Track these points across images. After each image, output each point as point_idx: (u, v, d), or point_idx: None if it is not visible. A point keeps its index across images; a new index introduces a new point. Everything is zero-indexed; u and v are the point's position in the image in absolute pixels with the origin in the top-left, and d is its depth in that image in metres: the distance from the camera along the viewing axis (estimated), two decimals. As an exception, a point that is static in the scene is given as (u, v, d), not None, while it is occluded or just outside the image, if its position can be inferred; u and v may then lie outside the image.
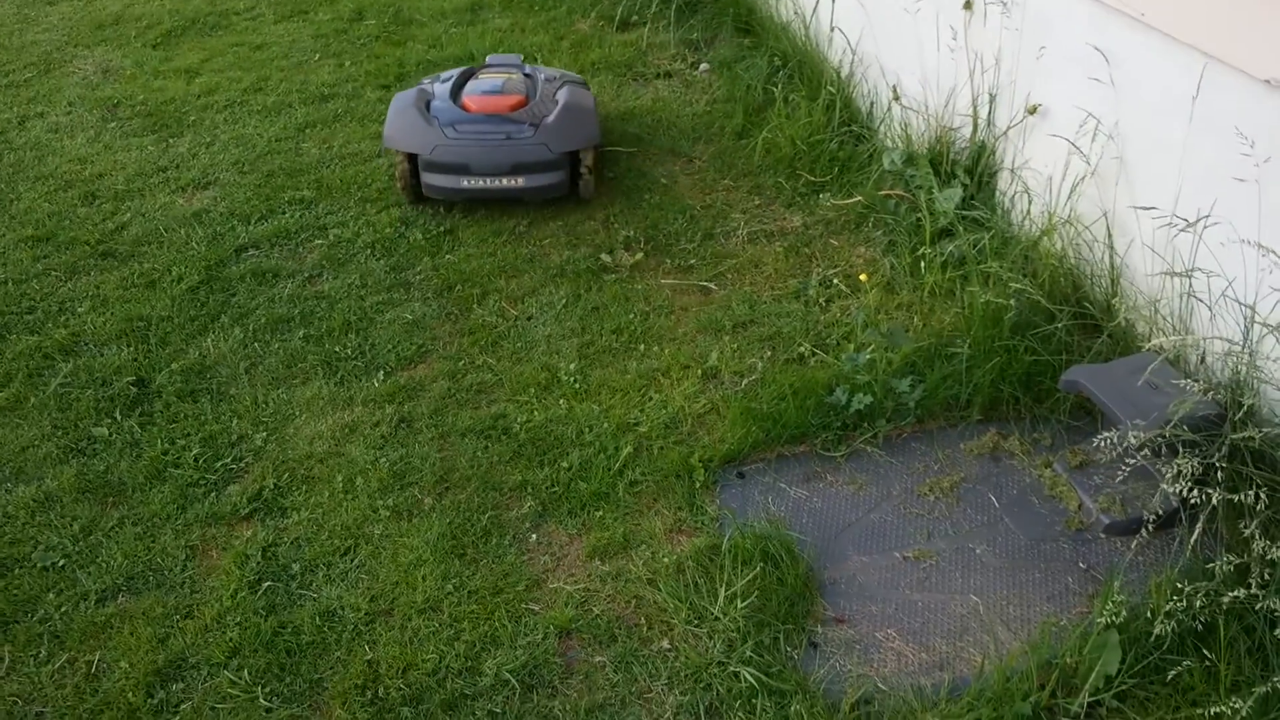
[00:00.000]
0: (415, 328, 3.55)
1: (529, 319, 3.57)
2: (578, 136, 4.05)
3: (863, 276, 3.53)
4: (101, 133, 5.01)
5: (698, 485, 2.83)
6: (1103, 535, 2.57)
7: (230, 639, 2.47)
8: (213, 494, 2.91)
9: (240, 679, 2.38)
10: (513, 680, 2.34)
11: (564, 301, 3.63)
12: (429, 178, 4.02)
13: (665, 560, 2.61)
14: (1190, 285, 2.65)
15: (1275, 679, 2.01)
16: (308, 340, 3.50)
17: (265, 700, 2.33)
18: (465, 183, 3.97)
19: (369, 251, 3.95)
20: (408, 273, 3.82)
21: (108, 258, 4.02)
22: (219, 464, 3.00)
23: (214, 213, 4.26)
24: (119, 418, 3.20)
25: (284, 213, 4.24)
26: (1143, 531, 2.36)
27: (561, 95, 4.20)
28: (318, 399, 3.24)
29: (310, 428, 3.12)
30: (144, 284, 3.83)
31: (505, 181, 3.97)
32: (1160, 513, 2.36)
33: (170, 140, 4.91)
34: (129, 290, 3.81)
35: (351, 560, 2.68)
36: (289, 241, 4.05)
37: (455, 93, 4.22)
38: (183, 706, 2.33)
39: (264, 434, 3.11)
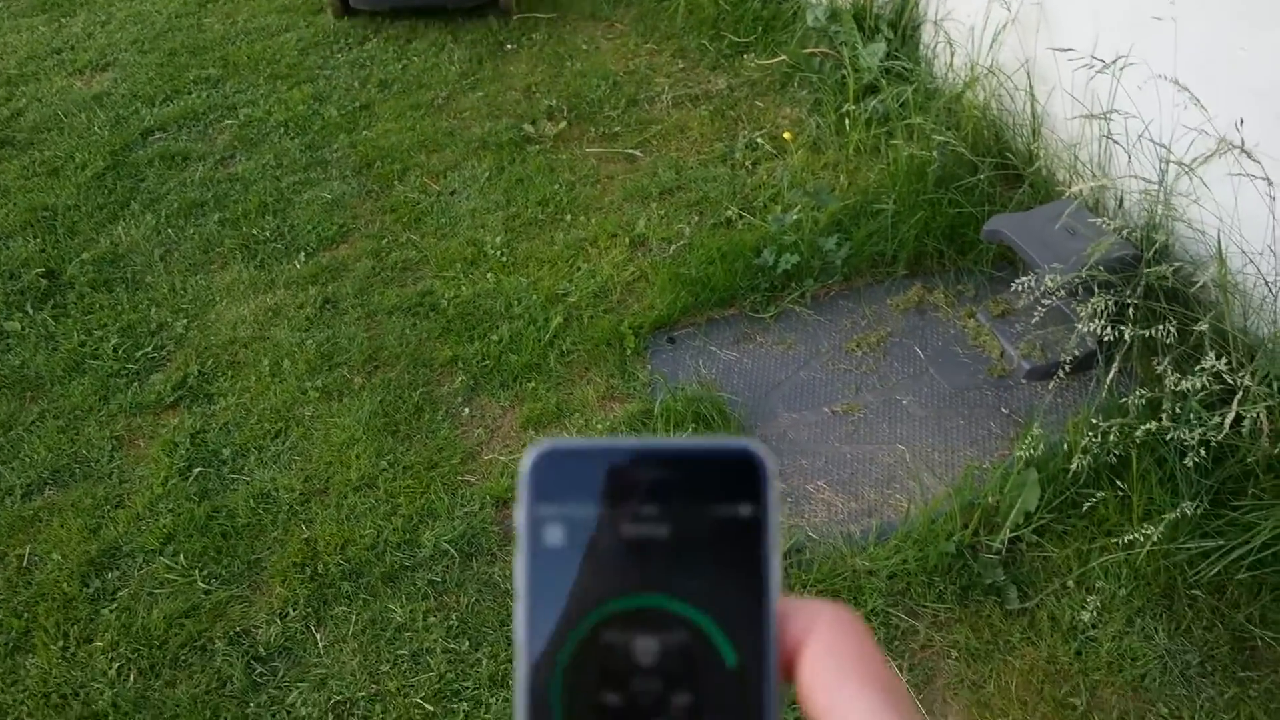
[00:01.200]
0: (335, 207, 3.46)
1: (452, 193, 3.50)
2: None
3: (787, 135, 3.50)
4: (-11, 16, 4.75)
5: (629, 352, 2.83)
6: (1024, 380, 2.63)
7: (164, 526, 2.46)
8: (135, 384, 2.85)
9: (176, 564, 2.37)
10: (451, 550, 2.36)
11: (487, 174, 3.56)
12: None
13: (599, 427, 2.62)
14: (1108, 129, 2.66)
15: (1184, 505, 2.09)
16: (224, 224, 3.40)
17: (204, 583, 2.34)
18: None
19: (282, 130, 3.83)
20: (324, 151, 3.72)
21: (5, 146, 3.85)
22: (139, 353, 2.94)
23: (115, 95, 4.08)
24: (30, 311, 3.10)
25: (190, 93, 4.08)
26: (1061, 374, 2.42)
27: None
28: (238, 283, 3.17)
29: (232, 312, 3.06)
30: (46, 172, 3.68)
31: None
32: (1077, 354, 2.41)
33: (62, 20, 4.66)
34: (30, 180, 3.66)
35: (283, 443, 2.66)
36: (197, 123, 3.91)
37: None
38: (120, 593, 2.33)
39: (184, 321, 3.04)
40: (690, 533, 0.41)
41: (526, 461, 0.41)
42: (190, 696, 2.16)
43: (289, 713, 2.14)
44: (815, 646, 0.40)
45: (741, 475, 0.41)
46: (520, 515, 0.41)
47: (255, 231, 3.36)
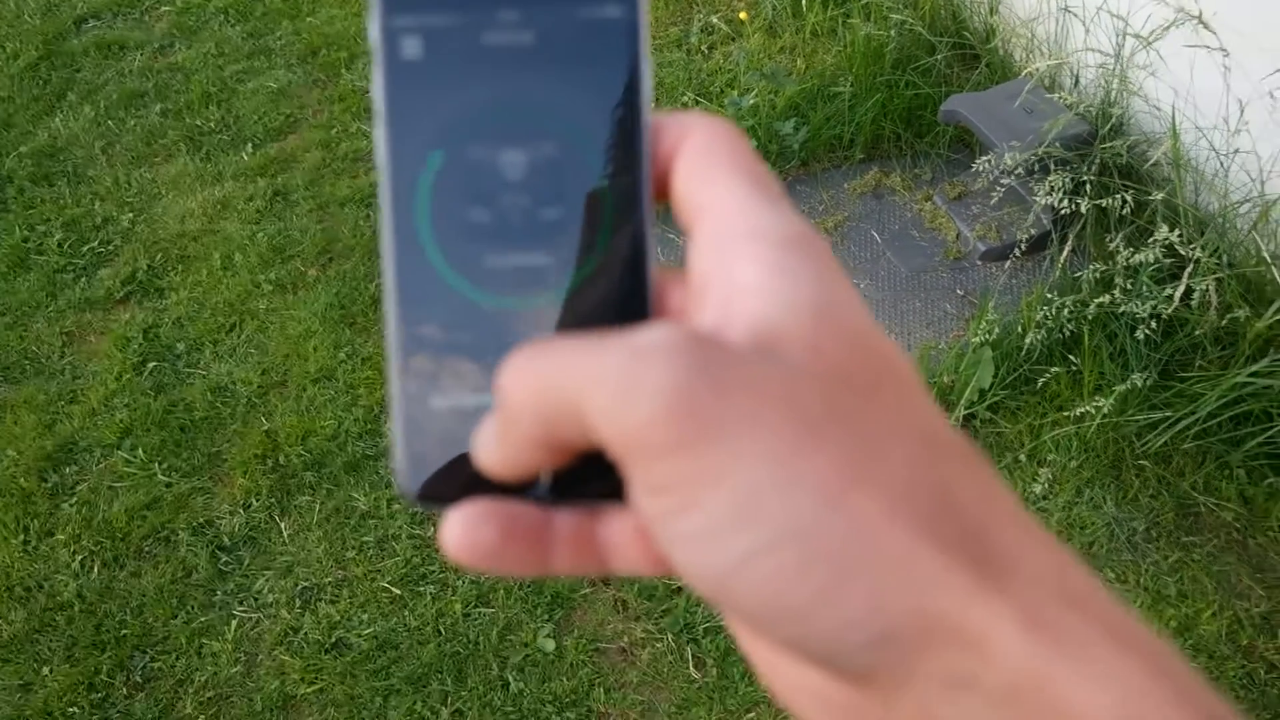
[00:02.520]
0: (281, 97, 3.37)
1: (401, 82, 3.42)
2: None
3: (742, 15, 3.44)
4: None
5: (586, 240, 2.81)
6: (979, 262, 2.65)
7: (120, 420, 2.44)
8: (83, 279, 2.80)
9: (135, 458, 2.36)
10: (413, 437, 2.37)
11: (437, 62, 3.48)
12: None
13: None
14: (1066, 2, 2.64)
15: (1134, 377, 2.14)
16: (166, 115, 3.31)
17: (164, 475, 2.33)
18: None
19: (223, 17, 3.70)
20: (267, 38, 3.60)
21: (-68, 38, 3.70)
22: (85, 248, 2.88)
23: (45, -18, 3.92)
24: (-30, 207, 3.03)
25: (123, -21, 3.93)
26: (1016, 254, 2.44)
27: None
28: (184, 176, 3.09)
29: (179, 206, 2.99)
30: (-23, 64, 3.55)
31: None
32: (1033, 234, 2.43)
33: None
34: (-39, 72, 3.53)
35: (238, 336, 2.64)
36: (133, 10, 3.77)
37: None
38: (79, 488, 2.32)
39: (130, 215, 2.97)
40: (556, 38, 0.38)
41: None
42: (156, 586, 2.17)
43: (256, 599, 2.16)
44: (687, 152, 0.38)
45: None
46: (374, 28, 0.39)
47: (199, 123, 3.28)
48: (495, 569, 0.37)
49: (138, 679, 2.05)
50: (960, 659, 0.30)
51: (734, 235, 0.35)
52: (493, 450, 0.36)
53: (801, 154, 2.97)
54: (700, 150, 0.37)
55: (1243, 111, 2.22)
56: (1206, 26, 2.20)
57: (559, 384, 0.32)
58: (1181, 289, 2.14)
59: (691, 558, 0.31)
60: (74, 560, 2.20)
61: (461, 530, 0.37)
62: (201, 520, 2.27)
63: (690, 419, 0.30)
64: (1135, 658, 0.30)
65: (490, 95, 0.38)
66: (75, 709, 2.00)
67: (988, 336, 2.30)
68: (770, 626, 0.31)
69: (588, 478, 0.37)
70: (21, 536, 2.25)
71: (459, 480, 0.39)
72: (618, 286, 0.38)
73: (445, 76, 0.38)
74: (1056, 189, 2.25)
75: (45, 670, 2.06)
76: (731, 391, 0.30)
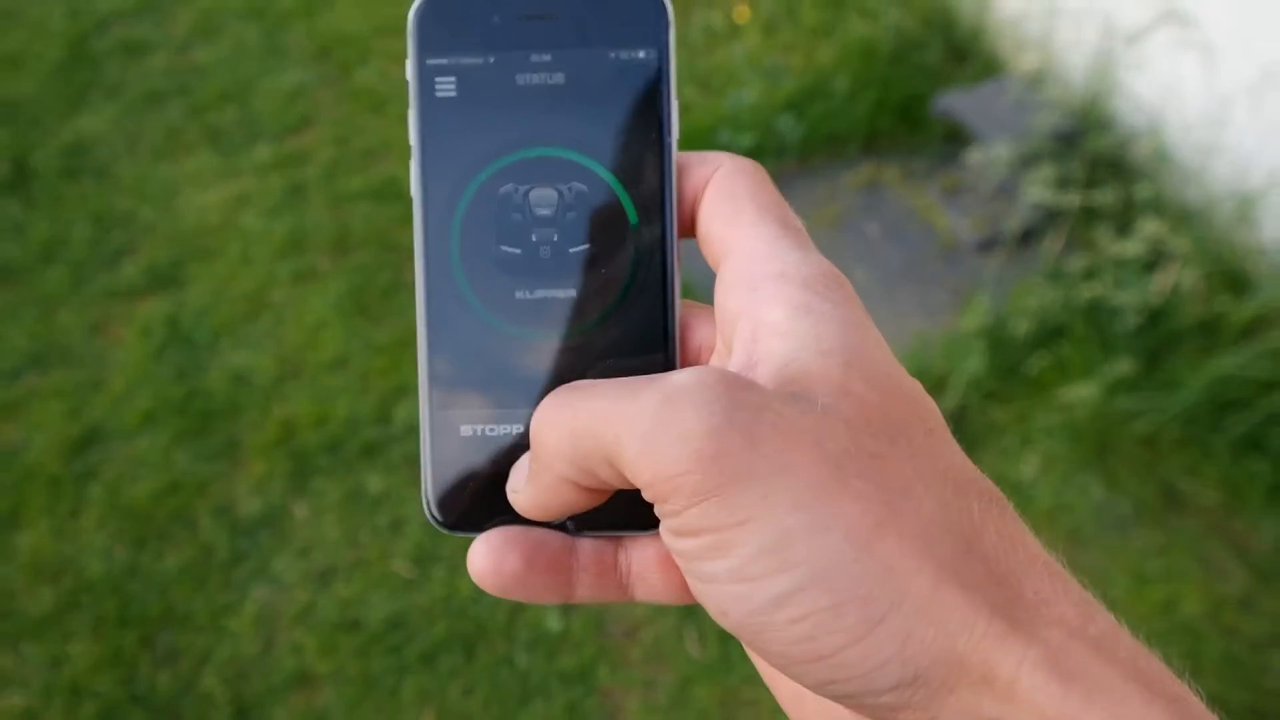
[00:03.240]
0: (296, 95, 3.47)
1: (413, 80, 3.51)
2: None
3: (743, 7, 3.51)
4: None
5: (591, 233, 2.89)
6: (971, 253, 2.72)
7: (143, 407, 2.54)
8: (107, 271, 2.90)
9: (157, 443, 2.46)
10: (423, 424, 2.46)
11: (448, 60, 3.56)
12: None
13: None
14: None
15: (1120, 365, 2.21)
16: (186, 113, 3.41)
17: (185, 461, 2.43)
18: None
19: (239, 18, 3.80)
20: (282, 38, 3.70)
21: (-40, 39, 3.81)
22: (109, 241, 2.98)
23: (68, -16, 4.02)
24: (0, 201, 3.13)
25: (144, -20, 4.02)
26: (1006, 245, 2.51)
27: None
28: (203, 171, 3.19)
29: (199, 200, 3.09)
30: (6, 64, 3.65)
31: None
32: (1022, 226, 2.50)
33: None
34: (-11, 72, 3.64)
35: (256, 326, 2.73)
36: (154, 12, 3.86)
37: None
38: (104, 473, 2.42)
39: (152, 209, 3.07)
40: (587, 80, 0.39)
41: (412, 10, 0.40)
42: (178, 567, 2.27)
43: (274, 580, 2.25)
44: (712, 190, 0.39)
45: (639, 17, 0.40)
46: (409, 66, 0.40)
47: (218, 120, 3.37)
48: (520, 596, 0.38)
49: (161, 656, 2.15)
50: (987, 702, 0.30)
51: (761, 276, 0.35)
52: (526, 493, 0.36)
53: (799, 149, 3.04)
54: (725, 189, 0.38)
55: (1225, 107, 2.28)
56: (1192, 23, 2.27)
57: (592, 430, 0.32)
58: (1168, 280, 2.21)
59: (722, 600, 0.32)
60: (99, 542, 2.30)
61: (487, 558, 0.38)
62: (221, 503, 2.36)
63: (721, 466, 0.30)
64: (1161, 703, 0.30)
65: (521, 134, 0.39)
66: (102, 685, 2.10)
67: (979, 326, 2.38)
68: (800, 667, 0.31)
69: (612, 507, 0.37)
70: (50, 520, 2.35)
71: (487, 507, 0.40)
72: (644, 320, 0.39)
73: (478, 115, 0.39)
74: (1044, 183, 2.32)
75: (73, 648, 2.15)
76: (762, 438, 0.30)
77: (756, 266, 0.36)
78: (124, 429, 2.49)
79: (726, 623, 0.32)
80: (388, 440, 2.44)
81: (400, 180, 3.11)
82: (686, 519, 0.31)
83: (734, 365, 0.35)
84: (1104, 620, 0.32)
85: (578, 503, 0.36)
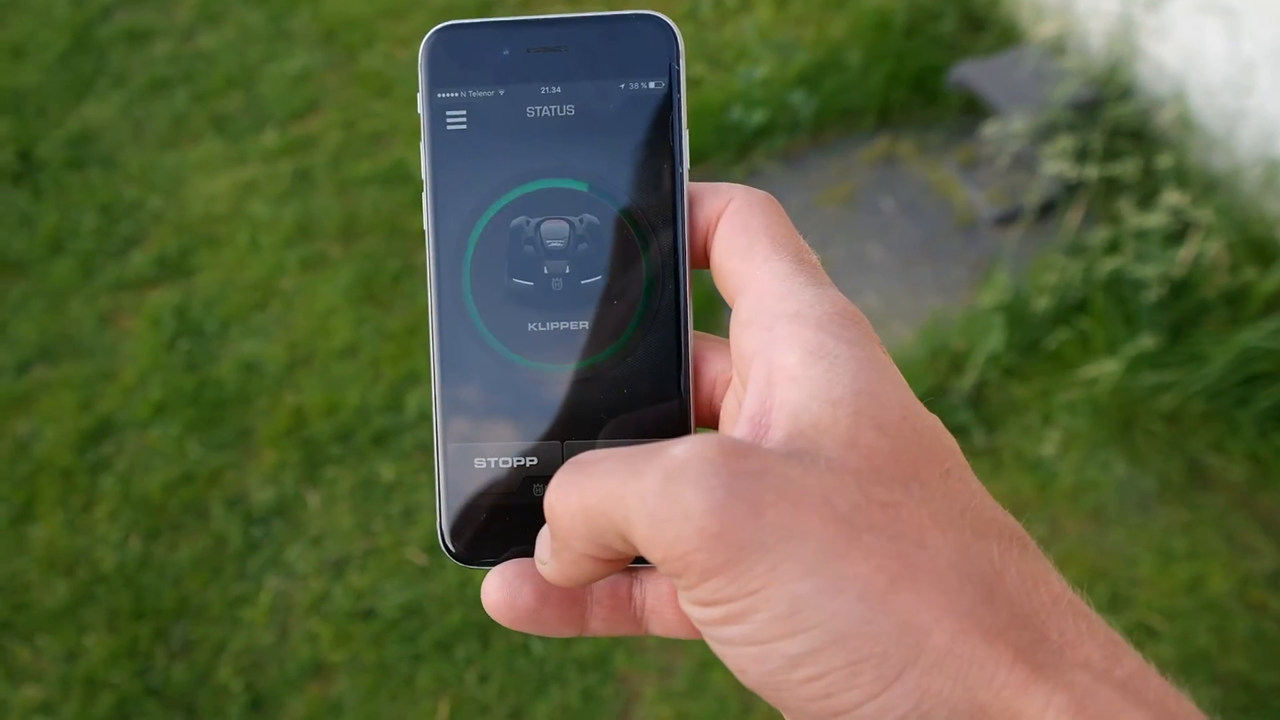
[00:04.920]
0: (302, 80, 3.43)
1: (420, 62, 3.47)
2: None
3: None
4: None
5: (602, 213, 2.86)
6: (990, 227, 2.67)
7: (154, 397, 2.52)
8: (116, 261, 2.88)
9: (169, 434, 2.44)
10: (434, 411, 2.43)
11: (454, 41, 3.52)
12: None
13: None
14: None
15: (1143, 339, 2.16)
16: (192, 100, 3.38)
17: (197, 451, 2.41)
18: None
19: (243, 3, 3.76)
20: (287, 22, 3.66)
21: (-35, 30, 3.79)
22: (117, 231, 2.96)
23: (72, -28, 4.00)
24: (7, 192, 3.11)
25: (147, -34, 3.99)
26: (1026, 218, 2.46)
27: None
28: (210, 159, 3.16)
29: (206, 188, 3.07)
30: (10, 54, 3.63)
31: None
32: (1042, 199, 2.45)
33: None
34: (-6, 62, 3.62)
35: (266, 314, 2.71)
36: (158, -2, 3.84)
37: None
38: (116, 464, 2.40)
39: (159, 198, 3.05)
40: (597, 111, 0.39)
41: (423, 44, 0.40)
42: (192, 558, 2.26)
43: (288, 569, 2.24)
44: (725, 225, 0.39)
45: (649, 47, 0.39)
46: (421, 100, 0.39)
47: (224, 106, 3.34)
48: (533, 629, 0.38)
49: (176, 647, 2.14)
50: None
51: (776, 315, 0.35)
52: (553, 567, 0.36)
53: (812, 124, 2.99)
54: (739, 223, 0.38)
55: (1249, 73, 2.22)
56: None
57: (602, 510, 0.33)
58: (1191, 251, 2.16)
59: (739, 661, 0.32)
60: (113, 533, 2.29)
61: (501, 591, 0.38)
62: (234, 493, 2.35)
63: (727, 541, 0.30)
64: None
65: (533, 166, 0.39)
66: (117, 677, 2.09)
67: (999, 301, 2.33)
68: None
69: None
70: (63, 512, 2.34)
71: (501, 539, 0.40)
72: (657, 352, 0.39)
73: (489, 148, 0.39)
74: (1064, 154, 2.27)
75: (88, 640, 2.15)
76: (766, 505, 0.30)
77: (771, 305, 0.36)
78: (136, 420, 2.48)
79: (745, 680, 0.33)
80: (399, 428, 2.42)
81: (408, 164, 3.08)
82: (699, 593, 0.31)
83: (748, 410, 0.35)
84: (1131, 661, 0.31)
85: (602, 572, 0.36)
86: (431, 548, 2.24)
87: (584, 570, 0.35)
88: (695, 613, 0.32)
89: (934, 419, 0.35)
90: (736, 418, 0.36)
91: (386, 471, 2.35)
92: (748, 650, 0.31)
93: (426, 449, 2.38)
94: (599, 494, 0.33)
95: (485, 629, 2.11)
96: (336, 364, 2.56)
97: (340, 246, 2.87)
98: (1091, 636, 0.31)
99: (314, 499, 2.33)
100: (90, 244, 2.92)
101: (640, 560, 0.38)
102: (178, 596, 2.20)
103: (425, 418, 2.43)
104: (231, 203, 3.02)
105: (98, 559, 2.26)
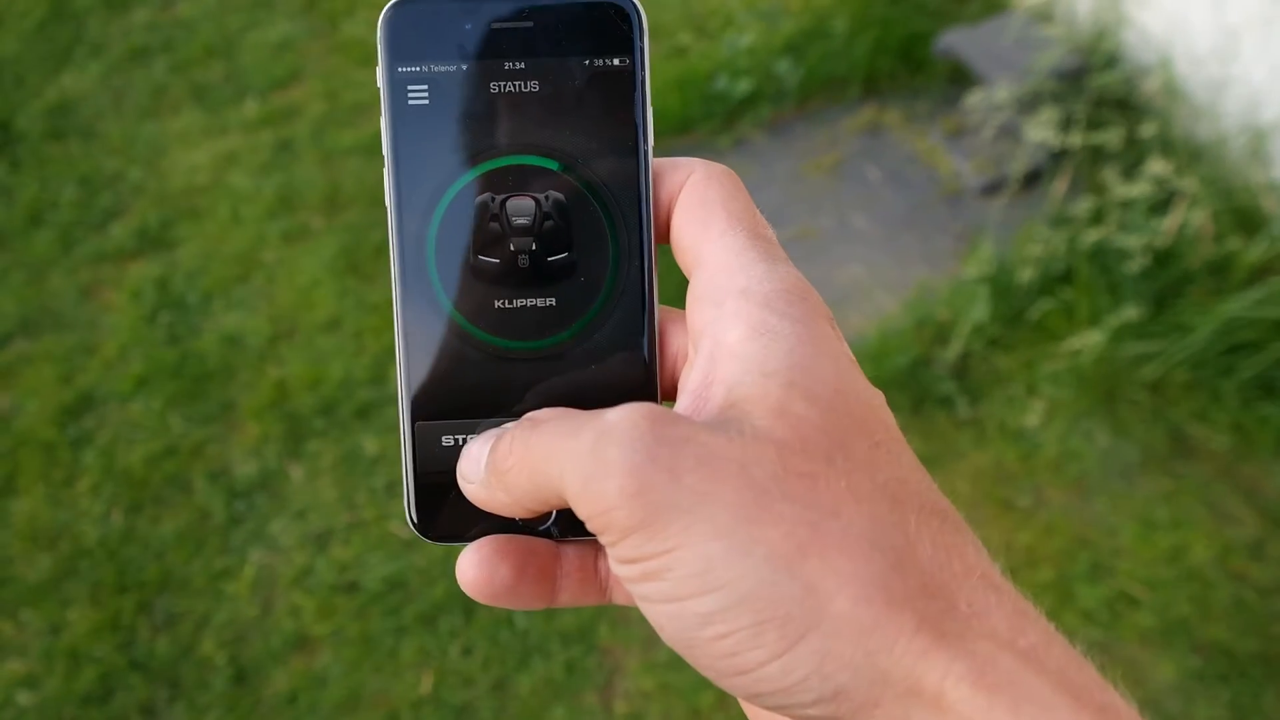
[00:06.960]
0: (283, 48, 3.39)
1: (403, 30, 3.43)
2: None
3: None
4: None
5: (586, 184, 2.84)
6: (975, 197, 2.66)
7: (136, 371, 2.51)
8: (96, 233, 2.85)
9: (151, 407, 2.43)
10: (418, 383, 2.42)
11: (438, 9, 3.49)
12: None
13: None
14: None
15: (1127, 309, 2.16)
16: (171, 70, 3.34)
17: (180, 424, 2.40)
18: None
19: (225, -30, 3.71)
20: (269, -10, 3.62)
21: (-59, -2, 3.73)
22: (97, 203, 2.93)
23: (49, -60, 3.94)
24: (-16, 165, 3.08)
25: (126, -66, 3.93)
26: (1011, 188, 2.45)
27: None
28: (191, 129, 3.13)
29: (187, 159, 3.04)
30: (-14, 24, 3.59)
31: None
32: (1027, 168, 2.44)
33: None
34: (-30, 32, 3.57)
35: (248, 287, 2.69)
36: (137, -35, 3.79)
37: None
38: (98, 438, 2.39)
39: (140, 169, 3.02)
40: (561, 87, 0.39)
41: (381, 16, 0.39)
42: (175, 532, 2.25)
43: (272, 543, 2.23)
44: (685, 199, 0.39)
45: (611, 24, 0.39)
46: (380, 74, 0.39)
47: (204, 76, 3.31)
48: (508, 604, 0.39)
49: (159, 621, 2.14)
50: (916, 713, 0.31)
51: (726, 291, 0.36)
52: (478, 492, 0.38)
53: (798, 93, 2.97)
54: (698, 196, 0.39)
55: (1234, 40, 2.21)
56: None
57: (543, 467, 0.35)
58: (1175, 220, 2.15)
59: (657, 617, 0.34)
60: (96, 507, 2.28)
61: (479, 569, 0.39)
62: (217, 467, 2.34)
63: (644, 500, 0.32)
64: (1089, 713, 0.30)
65: (497, 142, 0.39)
66: (100, 650, 2.09)
67: (983, 271, 2.32)
68: (728, 680, 0.33)
69: None
70: (45, 486, 2.33)
71: (469, 515, 0.40)
72: (623, 328, 0.39)
73: (452, 123, 0.39)
74: (1049, 123, 2.25)
75: (71, 614, 2.14)
76: (684, 471, 0.32)
77: (722, 281, 0.37)
78: (117, 393, 2.47)
79: (664, 636, 0.34)
80: (382, 401, 2.41)
81: (391, 134, 3.05)
82: (621, 549, 0.33)
83: (691, 384, 0.37)
84: (1036, 632, 0.32)
85: (524, 515, 0.38)
86: (415, 520, 2.23)
87: (507, 508, 0.37)
88: (619, 570, 0.34)
89: (875, 393, 0.36)
90: None
91: (370, 445, 2.35)
92: (665, 607, 0.33)
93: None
94: (542, 451, 0.35)
95: (469, 602, 2.11)
96: (319, 337, 2.55)
97: (323, 218, 2.84)
98: (1000, 607, 0.32)
99: (297, 472, 2.32)
100: (70, 216, 2.90)
101: (571, 532, 0.40)
102: (161, 570, 2.19)
103: (408, 390, 2.42)
104: (212, 174, 2.99)
105: (80, 533, 2.25)
